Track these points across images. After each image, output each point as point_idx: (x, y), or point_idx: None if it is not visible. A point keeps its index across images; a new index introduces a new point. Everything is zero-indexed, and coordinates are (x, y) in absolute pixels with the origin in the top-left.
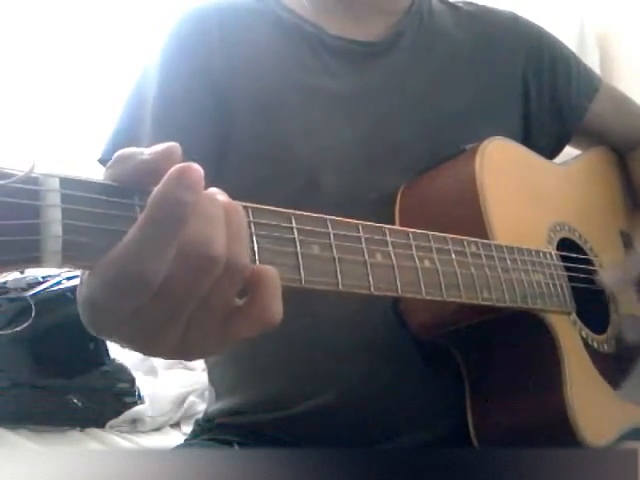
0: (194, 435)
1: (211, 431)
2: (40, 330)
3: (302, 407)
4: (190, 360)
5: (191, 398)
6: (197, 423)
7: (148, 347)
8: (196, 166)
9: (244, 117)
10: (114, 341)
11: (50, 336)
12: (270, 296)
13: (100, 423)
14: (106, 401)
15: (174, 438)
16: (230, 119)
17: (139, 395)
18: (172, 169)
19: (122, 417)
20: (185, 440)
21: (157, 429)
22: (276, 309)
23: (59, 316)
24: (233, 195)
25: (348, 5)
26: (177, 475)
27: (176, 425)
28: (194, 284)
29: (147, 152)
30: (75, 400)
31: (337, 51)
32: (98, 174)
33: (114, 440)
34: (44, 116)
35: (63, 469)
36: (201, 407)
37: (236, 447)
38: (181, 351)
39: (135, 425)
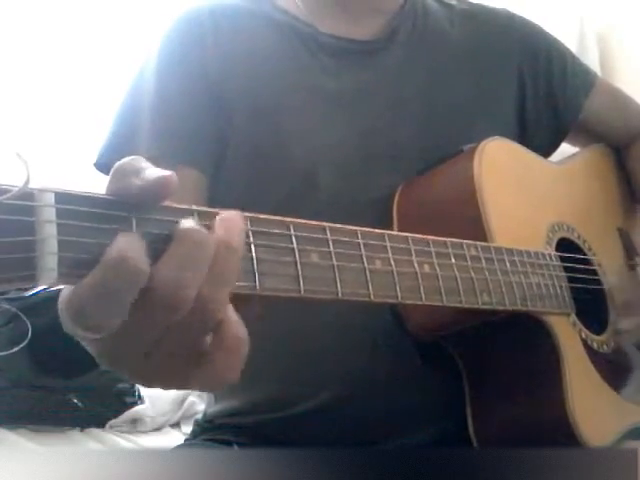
0: (194, 435)
1: (211, 431)
2: (40, 330)
3: (301, 408)
4: (151, 387)
5: (191, 398)
6: (197, 423)
7: (120, 371)
8: None
9: (241, 118)
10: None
11: (50, 336)
12: (229, 357)
13: (100, 423)
14: (106, 401)
15: (174, 438)
16: (227, 120)
17: (139, 395)
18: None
19: (122, 417)
20: (185, 440)
21: (157, 429)
22: (232, 370)
23: (59, 316)
24: (232, 196)
25: (342, 4)
26: (177, 475)
27: (176, 425)
28: (157, 320)
29: (142, 176)
30: (75, 400)
31: (332, 50)
32: (94, 178)
33: (114, 440)
34: (40, 120)
35: (63, 469)
36: (201, 407)
37: (235, 447)
38: (141, 379)
39: (135, 425)
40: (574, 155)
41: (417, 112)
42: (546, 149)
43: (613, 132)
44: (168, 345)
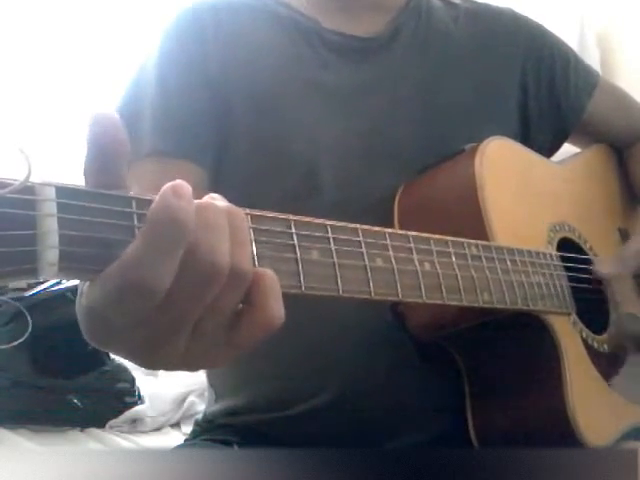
0: (194, 435)
1: (211, 431)
2: (40, 330)
3: (302, 407)
4: (193, 371)
5: (191, 398)
6: (197, 423)
7: (150, 359)
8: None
9: (241, 112)
10: (115, 353)
11: (50, 336)
12: (270, 298)
13: (100, 423)
14: (106, 401)
15: (174, 438)
16: (228, 115)
17: (139, 395)
18: (166, 185)
19: (122, 417)
20: (185, 440)
21: (157, 429)
22: (277, 311)
23: (59, 316)
24: (233, 190)
25: (346, 1)
26: (177, 475)
27: (176, 425)
28: (199, 294)
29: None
30: (75, 400)
31: (334, 46)
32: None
33: (114, 440)
34: (40, 116)
35: (63, 469)
36: (201, 407)
37: (235, 447)
38: (184, 363)
39: (135, 425)
40: (576, 155)
41: (417, 111)
42: (548, 149)
43: (615, 132)
44: (209, 323)
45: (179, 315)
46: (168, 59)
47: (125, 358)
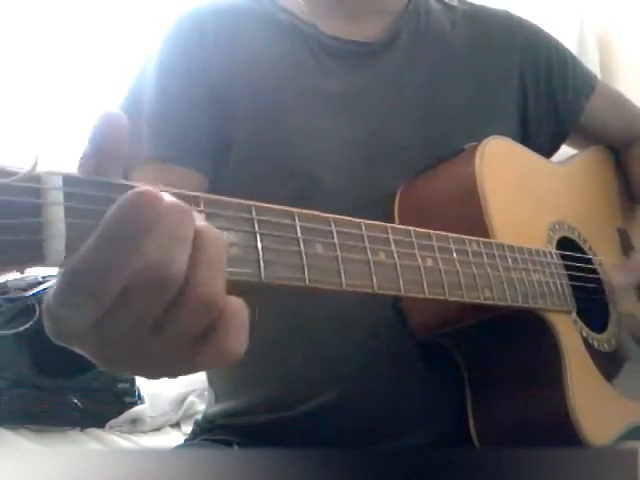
0: (194, 435)
1: (211, 432)
2: (40, 330)
3: (303, 408)
4: (150, 379)
5: (191, 398)
6: (197, 423)
7: (105, 361)
8: (157, 194)
9: (242, 118)
10: (80, 351)
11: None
12: (230, 331)
13: (100, 423)
14: (106, 401)
15: (174, 438)
16: (229, 120)
17: (139, 395)
18: (131, 191)
19: (122, 417)
20: (185, 440)
21: (157, 429)
22: (235, 348)
23: None
24: (234, 195)
25: (344, 5)
26: (177, 475)
27: (176, 425)
28: (148, 302)
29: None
30: (75, 400)
31: (334, 51)
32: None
33: (114, 440)
34: (43, 114)
35: (63, 469)
36: (201, 407)
37: (235, 447)
38: (140, 371)
39: (135, 425)
40: (575, 156)
41: (418, 113)
42: (547, 150)
43: (613, 134)
44: (168, 331)
45: (129, 322)
46: (168, 63)
47: (89, 358)
